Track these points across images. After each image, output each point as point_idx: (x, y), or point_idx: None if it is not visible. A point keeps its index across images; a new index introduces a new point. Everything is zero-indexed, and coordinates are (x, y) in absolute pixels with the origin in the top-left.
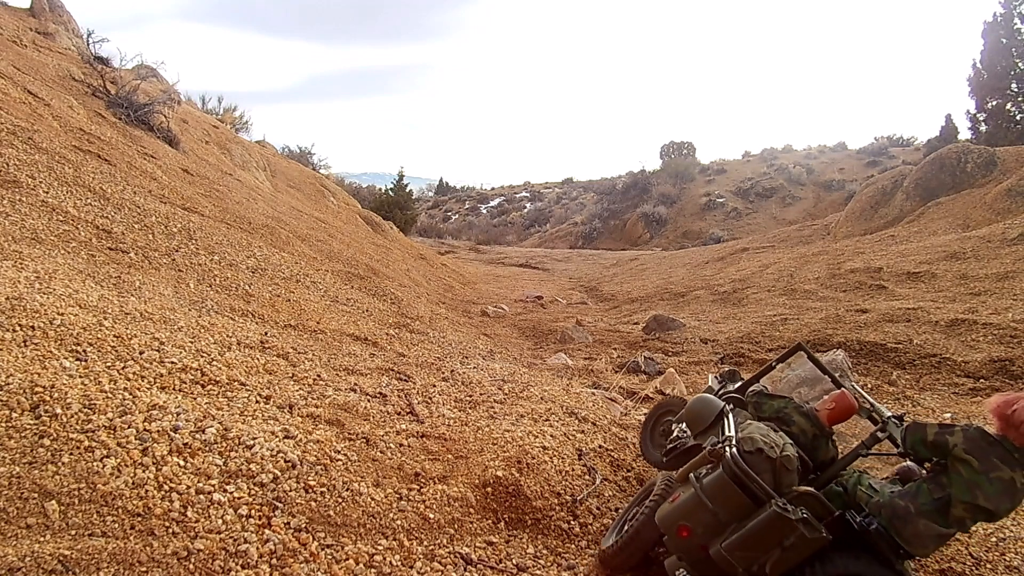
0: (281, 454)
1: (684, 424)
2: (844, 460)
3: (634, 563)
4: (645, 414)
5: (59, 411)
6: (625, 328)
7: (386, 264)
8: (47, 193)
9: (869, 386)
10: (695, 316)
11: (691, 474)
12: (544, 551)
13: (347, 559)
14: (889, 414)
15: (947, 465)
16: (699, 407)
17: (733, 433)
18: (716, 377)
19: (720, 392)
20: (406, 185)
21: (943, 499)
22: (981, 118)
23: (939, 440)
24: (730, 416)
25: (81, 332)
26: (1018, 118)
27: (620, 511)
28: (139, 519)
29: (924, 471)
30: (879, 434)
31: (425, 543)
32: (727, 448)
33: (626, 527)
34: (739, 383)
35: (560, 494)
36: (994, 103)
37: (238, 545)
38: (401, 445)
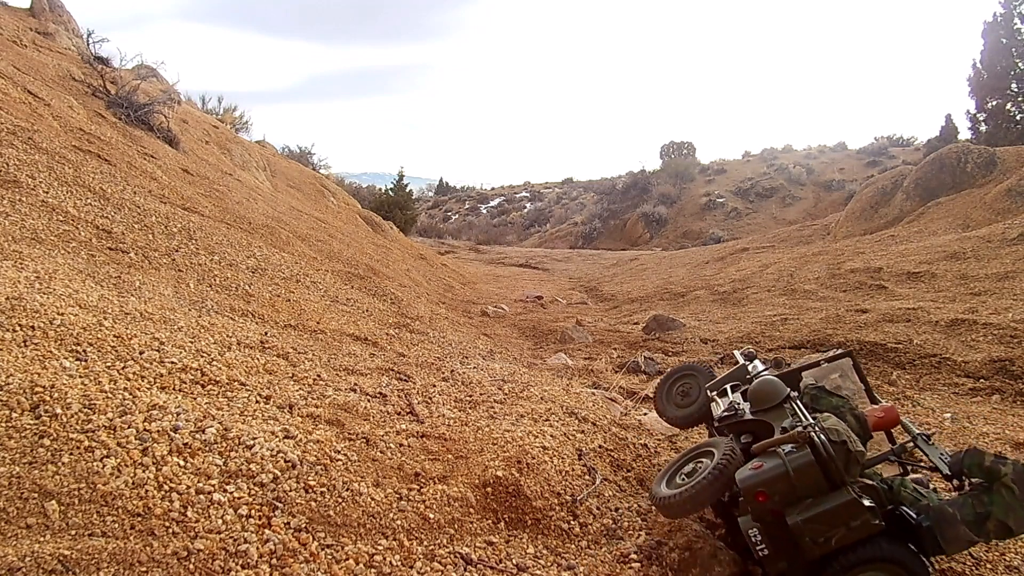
0: (281, 454)
1: (736, 396)
2: (872, 461)
3: (694, 512)
4: (663, 373)
5: (59, 411)
6: (625, 328)
7: (386, 264)
8: (47, 193)
9: None
10: (695, 316)
11: (776, 448)
12: (544, 551)
13: (347, 559)
14: (918, 432)
15: (991, 488)
16: (767, 388)
17: (811, 420)
18: (743, 354)
19: (755, 375)
20: (406, 185)
21: (983, 514)
22: (981, 118)
23: (993, 467)
24: (798, 402)
25: (81, 332)
26: (1018, 118)
27: (665, 466)
28: (139, 519)
29: (953, 486)
30: (907, 445)
31: (425, 543)
32: (817, 434)
33: (679, 479)
34: (784, 369)
35: (560, 494)
36: (994, 103)
37: (238, 545)
38: (401, 445)
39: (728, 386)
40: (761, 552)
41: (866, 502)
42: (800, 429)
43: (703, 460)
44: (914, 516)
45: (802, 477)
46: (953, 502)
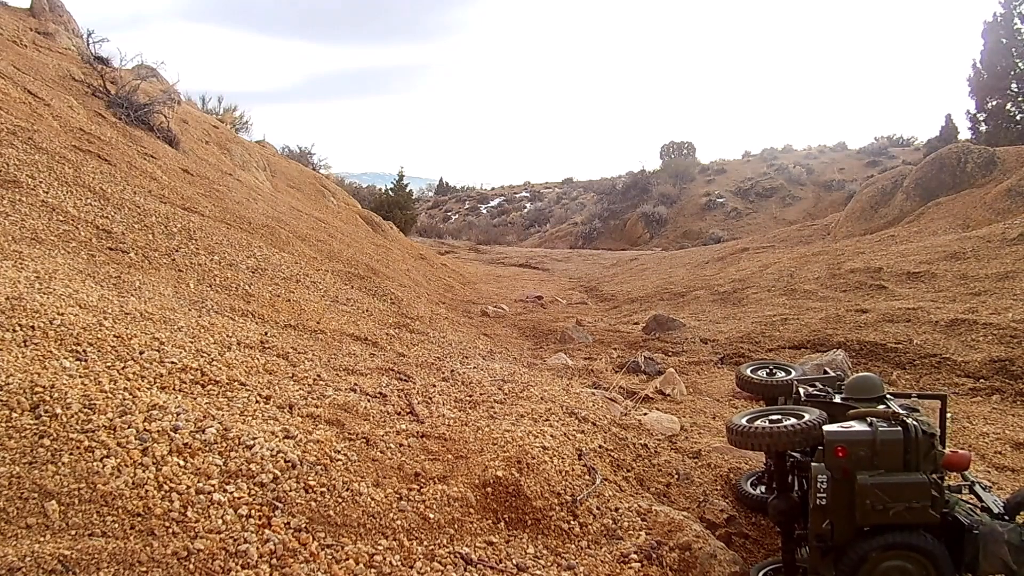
0: (281, 454)
1: (820, 384)
2: None
3: (762, 449)
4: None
5: (59, 411)
6: (625, 328)
7: (386, 264)
8: (47, 193)
9: None
10: (695, 316)
11: (869, 418)
12: (544, 551)
13: (347, 559)
14: (974, 479)
15: None
16: (867, 381)
17: (906, 413)
18: (835, 374)
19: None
20: (406, 185)
21: None
22: (981, 118)
23: None
24: (894, 402)
25: (81, 332)
26: (1018, 118)
27: (744, 414)
28: (139, 519)
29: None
30: (962, 486)
31: (425, 543)
32: (911, 419)
33: (762, 422)
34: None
35: (560, 494)
36: (994, 103)
37: (238, 545)
38: (401, 445)
39: (818, 383)
40: (820, 500)
41: (934, 491)
42: (894, 412)
43: (791, 418)
44: (967, 522)
45: (885, 448)
46: (1004, 524)
